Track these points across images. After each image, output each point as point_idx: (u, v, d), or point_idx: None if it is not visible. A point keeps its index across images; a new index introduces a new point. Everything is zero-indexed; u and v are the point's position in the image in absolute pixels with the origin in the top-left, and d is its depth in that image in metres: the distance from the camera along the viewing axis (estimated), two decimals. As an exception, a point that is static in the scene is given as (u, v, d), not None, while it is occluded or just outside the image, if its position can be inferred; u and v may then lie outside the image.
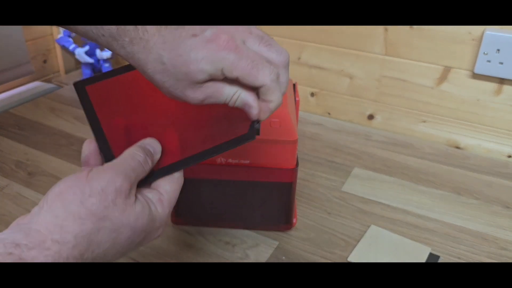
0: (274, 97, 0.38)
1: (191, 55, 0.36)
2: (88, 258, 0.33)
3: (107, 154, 0.40)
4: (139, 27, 0.37)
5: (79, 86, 0.45)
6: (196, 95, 0.38)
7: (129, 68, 0.46)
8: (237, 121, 0.42)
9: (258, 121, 0.41)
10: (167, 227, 0.66)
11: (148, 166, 0.39)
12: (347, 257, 0.62)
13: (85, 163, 0.40)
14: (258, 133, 0.42)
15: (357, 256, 0.62)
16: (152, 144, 0.40)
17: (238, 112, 0.41)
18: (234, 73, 0.37)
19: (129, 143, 0.40)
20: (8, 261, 0.30)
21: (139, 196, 0.37)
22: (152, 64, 0.37)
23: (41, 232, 0.32)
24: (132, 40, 0.37)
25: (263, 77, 0.37)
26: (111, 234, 0.34)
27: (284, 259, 0.61)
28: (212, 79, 0.37)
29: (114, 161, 0.37)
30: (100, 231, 0.33)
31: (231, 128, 0.43)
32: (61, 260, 0.31)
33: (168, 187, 0.40)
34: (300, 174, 0.80)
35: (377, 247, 0.63)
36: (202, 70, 0.36)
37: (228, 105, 0.40)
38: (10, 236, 0.31)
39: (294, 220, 0.67)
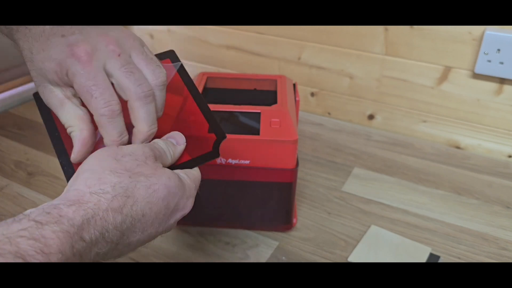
0: (103, 133, 0.37)
1: (50, 52, 0.36)
2: (128, 214, 0.33)
3: (68, 170, 0.40)
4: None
5: (38, 96, 0.41)
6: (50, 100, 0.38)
7: None
8: (202, 140, 0.44)
9: (218, 141, 0.43)
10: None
11: (170, 155, 0.39)
12: (347, 257, 0.62)
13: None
14: (217, 154, 0.43)
15: (357, 256, 0.62)
16: (175, 137, 0.41)
17: (202, 133, 0.44)
18: (74, 86, 0.36)
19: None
20: (47, 219, 0.29)
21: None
22: (25, 51, 0.37)
23: (79, 189, 0.32)
24: (18, 28, 0.38)
25: (94, 106, 0.35)
26: (147, 190, 0.34)
27: (284, 259, 0.61)
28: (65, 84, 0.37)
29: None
30: (136, 186, 0.34)
31: (195, 146, 0.44)
32: (101, 213, 0.31)
33: (189, 171, 0.41)
34: (300, 174, 0.79)
35: (377, 247, 0.63)
36: (51, 70, 0.36)
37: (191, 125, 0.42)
38: (48, 202, 0.31)
39: (294, 220, 0.67)
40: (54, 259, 0.27)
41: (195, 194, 0.40)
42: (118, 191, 0.33)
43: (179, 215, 0.38)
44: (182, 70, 0.46)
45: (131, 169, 0.34)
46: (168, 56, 0.46)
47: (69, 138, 0.39)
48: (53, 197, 0.74)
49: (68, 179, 0.39)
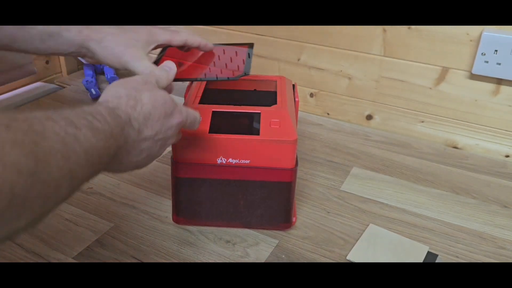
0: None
1: None
2: (140, 112, 0.43)
3: None
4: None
5: None
6: None
7: None
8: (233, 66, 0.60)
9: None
10: (168, 226, 0.67)
11: (165, 78, 0.52)
12: (346, 256, 0.62)
13: None
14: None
15: (356, 254, 0.62)
16: (168, 64, 0.54)
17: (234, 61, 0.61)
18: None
19: None
20: (87, 118, 0.37)
21: None
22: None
23: (102, 100, 0.43)
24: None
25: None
26: (150, 97, 0.45)
27: (284, 258, 0.62)
28: None
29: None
30: (142, 94, 0.45)
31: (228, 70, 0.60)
32: (123, 107, 0.42)
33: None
34: (299, 173, 0.80)
35: (376, 245, 0.64)
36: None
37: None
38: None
39: (294, 219, 0.68)
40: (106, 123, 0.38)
41: (186, 115, 0.49)
42: (130, 97, 0.44)
43: (173, 122, 0.47)
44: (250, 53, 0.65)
45: (135, 87, 0.45)
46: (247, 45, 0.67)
47: None
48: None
49: None
